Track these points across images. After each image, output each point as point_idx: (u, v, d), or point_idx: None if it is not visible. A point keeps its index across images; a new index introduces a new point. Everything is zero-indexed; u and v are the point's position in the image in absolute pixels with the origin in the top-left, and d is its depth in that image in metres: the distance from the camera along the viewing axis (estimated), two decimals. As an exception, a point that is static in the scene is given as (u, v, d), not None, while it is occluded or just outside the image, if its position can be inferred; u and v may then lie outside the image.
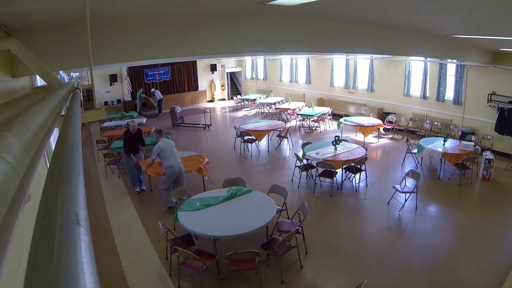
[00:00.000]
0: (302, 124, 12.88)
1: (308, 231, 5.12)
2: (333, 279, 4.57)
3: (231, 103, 18.80)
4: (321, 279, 4.55)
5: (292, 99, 15.66)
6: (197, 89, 19.05)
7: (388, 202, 6.49)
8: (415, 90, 11.47)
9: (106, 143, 9.85)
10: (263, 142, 10.76)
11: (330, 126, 12.88)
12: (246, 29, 4.67)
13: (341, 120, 11.09)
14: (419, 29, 6.01)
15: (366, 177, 7.58)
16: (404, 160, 8.73)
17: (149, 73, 17.15)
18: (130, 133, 7.18)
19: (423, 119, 11.10)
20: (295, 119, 13.73)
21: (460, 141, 8.31)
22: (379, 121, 10.96)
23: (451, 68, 10.31)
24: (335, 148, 7.70)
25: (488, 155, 7.45)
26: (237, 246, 4.91)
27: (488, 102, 9.21)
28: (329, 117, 13.06)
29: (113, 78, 15.95)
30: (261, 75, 18.93)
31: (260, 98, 16.48)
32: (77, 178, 0.76)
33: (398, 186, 6.41)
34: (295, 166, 7.83)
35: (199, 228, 4.46)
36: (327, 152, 7.52)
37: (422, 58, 10.60)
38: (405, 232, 5.68)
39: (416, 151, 8.32)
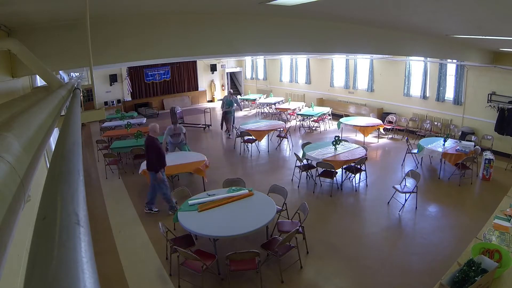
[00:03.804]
0: (302, 124, 12.88)
1: (308, 231, 5.12)
2: (333, 279, 4.57)
3: (231, 103, 18.79)
4: (321, 279, 4.55)
5: (292, 99, 15.66)
6: (197, 89, 19.04)
7: (388, 202, 6.49)
8: (415, 90, 11.47)
9: (106, 143, 9.84)
10: (263, 142, 10.76)
11: (330, 126, 12.88)
12: (246, 29, 4.67)
13: (341, 120, 11.10)
14: (419, 29, 6.00)
15: (366, 177, 7.59)
16: (404, 160, 8.73)
17: (149, 73, 17.15)
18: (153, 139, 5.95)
19: (423, 119, 11.10)
20: (295, 119, 13.73)
21: (460, 141, 8.31)
22: (379, 121, 10.96)
23: (451, 68, 10.31)
24: (335, 148, 7.70)
25: (488, 155, 7.44)
26: (237, 246, 4.91)
27: (488, 102, 9.21)
28: (329, 117, 13.07)
29: (113, 78, 15.94)
30: (261, 75, 18.92)
31: (260, 98, 16.47)
32: (77, 178, 0.76)
33: (398, 186, 6.41)
34: (295, 166, 7.83)
35: (199, 228, 4.46)
36: (327, 152, 7.52)
37: (422, 58, 10.60)
38: (405, 232, 5.68)
39: (416, 151, 8.32)
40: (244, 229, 4.39)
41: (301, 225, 4.79)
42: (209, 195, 5.33)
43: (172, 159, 7.52)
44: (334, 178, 6.99)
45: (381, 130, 11.09)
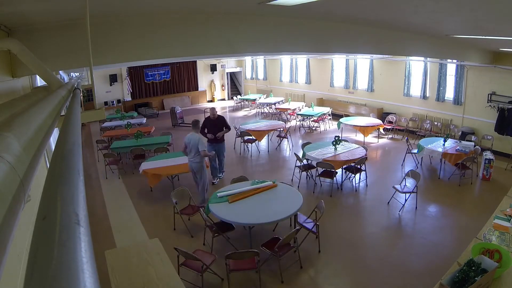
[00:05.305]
0: (302, 124, 12.88)
1: (308, 231, 5.12)
2: (333, 279, 4.57)
3: (231, 103, 18.80)
4: (321, 279, 4.55)
5: (292, 99, 15.66)
6: (197, 89, 19.04)
7: (388, 202, 6.49)
8: (415, 90, 11.47)
9: (106, 143, 9.84)
10: (263, 142, 10.76)
11: (330, 126, 12.88)
12: (246, 29, 4.67)
13: (341, 120, 11.10)
14: (419, 29, 6.00)
15: (366, 177, 7.58)
16: (404, 160, 8.73)
17: (149, 73, 17.15)
18: (210, 119, 7.65)
19: (423, 119, 11.10)
20: (295, 119, 13.73)
21: (460, 141, 8.32)
22: (379, 121, 10.96)
23: (451, 68, 10.31)
24: (335, 148, 7.69)
25: (488, 155, 7.44)
26: (237, 246, 4.91)
27: (488, 102, 9.21)
28: (329, 117, 13.07)
29: (113, 78, 15.94)
30: (261, 75, 18.92)
31: (260, 98, 16.47)
32: (77, 178, 0.76)
33: (398, 186, 6.41)
34: (295, 166, 7.83)
35: (234, 217, 4.68)
36: (327, 152, 7.52)
37: (422, 58, 10.60)
38: (405, 232, 5.68)
39: (416, 151, 8.32)
40: (277, 216, 4.68)
41: (316, 223, 4.93)
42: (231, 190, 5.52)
43: (172, 159, 7.54)
44: (334, 178, 6.99)
45: (381, 130, 11.09)
